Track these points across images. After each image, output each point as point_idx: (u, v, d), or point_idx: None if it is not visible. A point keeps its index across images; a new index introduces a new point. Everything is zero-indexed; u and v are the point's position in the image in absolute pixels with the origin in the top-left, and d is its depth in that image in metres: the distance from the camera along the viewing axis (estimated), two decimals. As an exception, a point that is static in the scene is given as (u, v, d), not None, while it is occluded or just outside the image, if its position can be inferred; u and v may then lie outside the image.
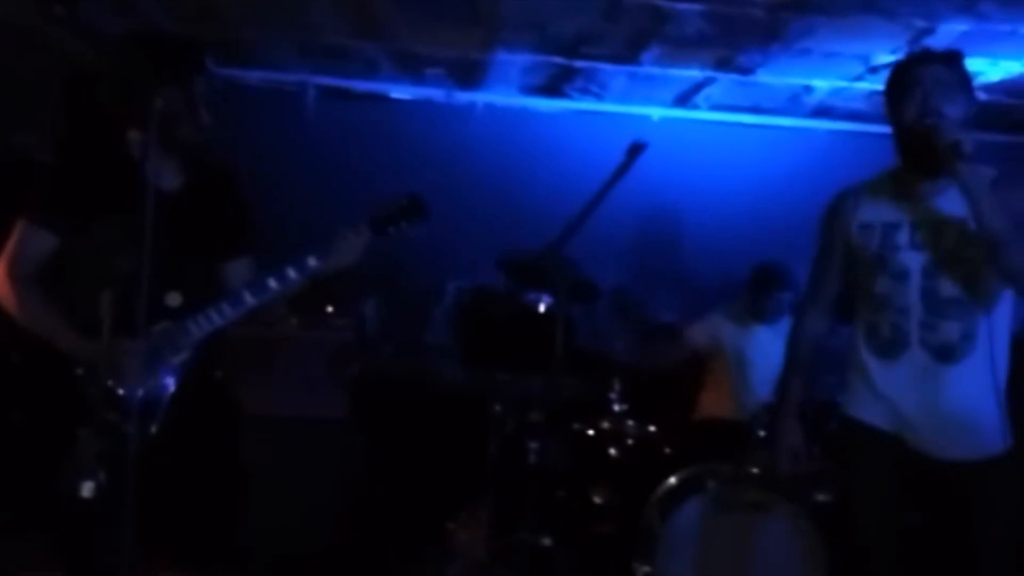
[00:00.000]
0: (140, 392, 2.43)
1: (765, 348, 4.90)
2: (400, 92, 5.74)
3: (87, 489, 2.05)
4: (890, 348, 2.73)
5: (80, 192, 2.58)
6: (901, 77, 2.72)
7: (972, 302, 2.65)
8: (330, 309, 4.68)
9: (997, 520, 2.65)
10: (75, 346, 2.50)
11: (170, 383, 2.55)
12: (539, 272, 3.64)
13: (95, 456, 2.13)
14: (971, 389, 2.63)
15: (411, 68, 5.40)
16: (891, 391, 2.73)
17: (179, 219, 2.52)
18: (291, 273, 2.62)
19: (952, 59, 2.69)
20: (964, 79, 2.69)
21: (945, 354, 2.65)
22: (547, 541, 4.09)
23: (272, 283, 2.61)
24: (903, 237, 2.71)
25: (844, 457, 2.95)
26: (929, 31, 4.35)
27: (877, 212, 2.78)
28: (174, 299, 2.56)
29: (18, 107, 4.78)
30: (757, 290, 4.87)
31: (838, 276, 2.93)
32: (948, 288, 2.66)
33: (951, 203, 2.63)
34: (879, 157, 2.95)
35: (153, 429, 2.51)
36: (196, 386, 2.62)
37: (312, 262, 2.63)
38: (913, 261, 2.69)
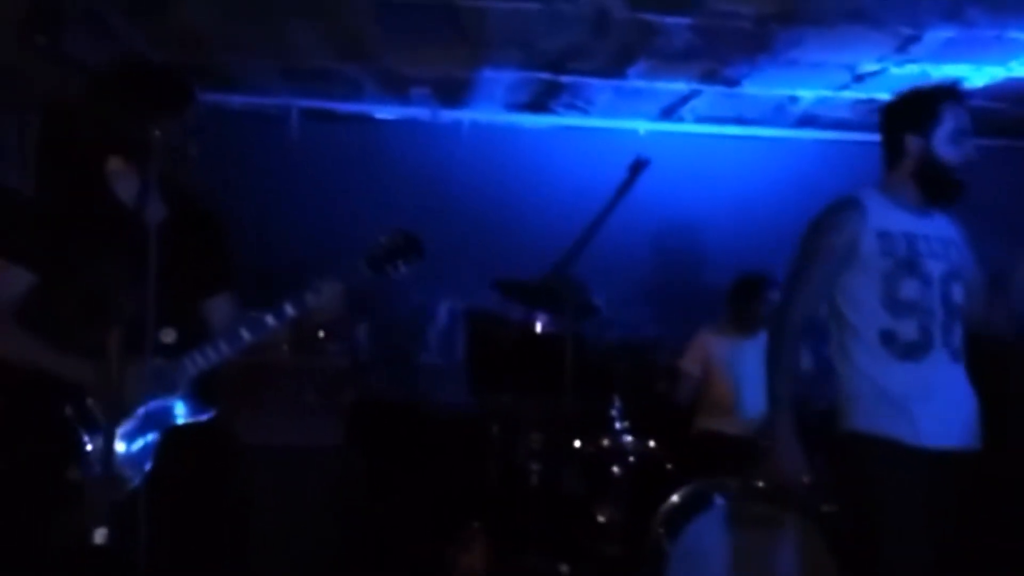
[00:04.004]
0: (135, 431, 2.38)
1: (760, 357, 4.87)
2: (385, 113, 5.69)
3: (100, 536, 1.99)
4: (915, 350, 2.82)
5: (56, 226, 2.48)
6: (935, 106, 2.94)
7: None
8: (321, 334, 4.63)
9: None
10: (70, 367, 2.38)
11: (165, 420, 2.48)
12: (542, 293, 3.60)
13: (106, 502, 2.06)
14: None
15: (395, 88, 5.36)
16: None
17: (167, 252, 2.43)
18: (289, 309, 2.57)
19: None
20: None
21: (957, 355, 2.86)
22: (552, 563, 4.04)
23: (270, 320, 2.56)
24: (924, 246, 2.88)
25: (868, 473, 2.84)
26: (915, 39, 4.37)
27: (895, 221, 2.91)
28: (168, 335, 2.47)
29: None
30: (748, 299, 4.84)
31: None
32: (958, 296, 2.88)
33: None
34: (864, 165, 3.00)
35: (148, 467, 2.43)
36: (192, 424, 2.54)
37: (310, 298, 2.58)
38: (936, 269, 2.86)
